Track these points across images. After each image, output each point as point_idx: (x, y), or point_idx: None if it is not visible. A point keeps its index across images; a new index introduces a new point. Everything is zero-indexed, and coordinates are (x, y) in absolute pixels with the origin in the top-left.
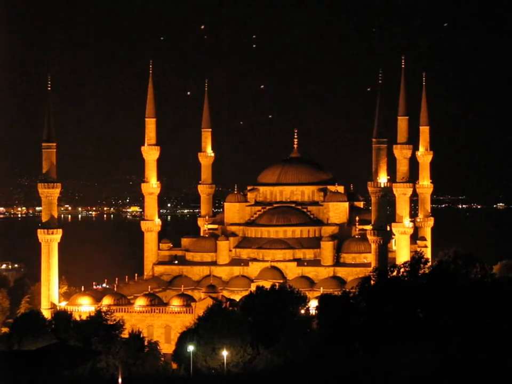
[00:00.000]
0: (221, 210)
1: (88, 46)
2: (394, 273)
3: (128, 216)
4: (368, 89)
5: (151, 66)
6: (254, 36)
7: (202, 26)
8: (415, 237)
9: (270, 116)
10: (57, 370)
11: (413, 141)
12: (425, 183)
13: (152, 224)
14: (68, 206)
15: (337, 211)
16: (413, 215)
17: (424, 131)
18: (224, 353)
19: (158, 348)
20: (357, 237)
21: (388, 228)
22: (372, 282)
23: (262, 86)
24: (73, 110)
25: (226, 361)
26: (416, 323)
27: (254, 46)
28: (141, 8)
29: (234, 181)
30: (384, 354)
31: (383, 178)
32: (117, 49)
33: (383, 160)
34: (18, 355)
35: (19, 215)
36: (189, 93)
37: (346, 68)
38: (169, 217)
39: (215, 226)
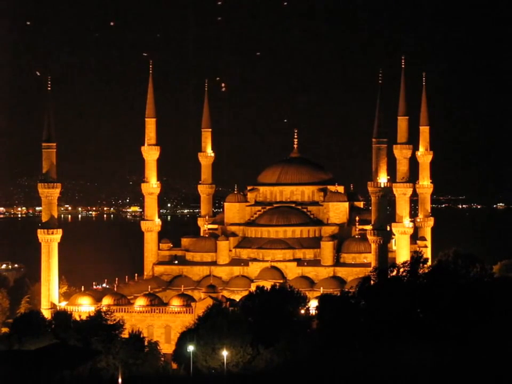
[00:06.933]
0: (221, 210)
1: (88, 45)
2: (394, 273)
3: (128, 216)
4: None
5: (151, 66)
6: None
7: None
8: (415, 237)
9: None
10: (57, 370)
11: (413, 141)
12: (425, 183)
13: (152, 224)
14: (68, 206)
15: (337, 211)
16: (413, 215)
17: (424, 131)
18: (224, 353)
19: (158, 347)
20: (357, 237)
21: (388, 228)
22: (372, 282)
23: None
24: (73, 110)
25: (226, 361)
26: (416, 323)
27: (257, 53)
28: (141, 7)
29: (234, 181)
30: (384, 354)
31: (383, 178)
32: (117, 49)
33: (383, 160)
34: (18, 355)
35: (19, 215)
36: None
37: (346, 67)
38: (169, 217)
39: (215, 226)
